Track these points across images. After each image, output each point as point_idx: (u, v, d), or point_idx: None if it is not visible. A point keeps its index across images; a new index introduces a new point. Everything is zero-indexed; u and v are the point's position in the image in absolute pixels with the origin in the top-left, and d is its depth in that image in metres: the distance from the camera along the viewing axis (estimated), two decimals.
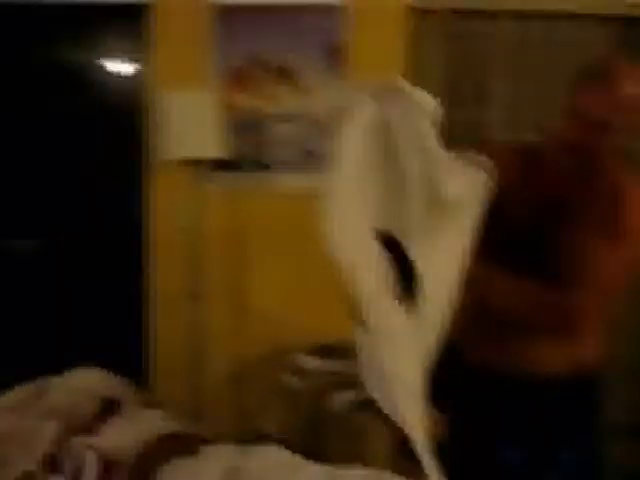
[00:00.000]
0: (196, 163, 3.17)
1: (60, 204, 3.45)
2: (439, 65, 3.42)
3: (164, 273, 3.37)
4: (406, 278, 1.52)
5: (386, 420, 2.46)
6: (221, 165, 3.27)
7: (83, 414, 2.15)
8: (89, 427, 2.08)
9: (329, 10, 3.29)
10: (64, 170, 3.42)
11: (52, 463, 1.92)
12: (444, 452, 1.54)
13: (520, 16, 3.37)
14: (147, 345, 3.40)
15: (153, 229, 3.38)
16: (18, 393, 2.22)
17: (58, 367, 2.40)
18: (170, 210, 3.29)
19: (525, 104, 3.45)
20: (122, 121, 3.36)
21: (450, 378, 2.05)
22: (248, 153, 3.37)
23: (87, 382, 2.26)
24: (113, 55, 3.47)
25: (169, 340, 3.35)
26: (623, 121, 1.72)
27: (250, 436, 2.77)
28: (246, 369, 3.39)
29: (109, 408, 2.20)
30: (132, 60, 3.44)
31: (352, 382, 2.88)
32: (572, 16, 3.37)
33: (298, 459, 1.62)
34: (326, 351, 2.99)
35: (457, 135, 3.01)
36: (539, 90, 3.44)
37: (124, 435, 1.85)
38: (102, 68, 3.47)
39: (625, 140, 1.78)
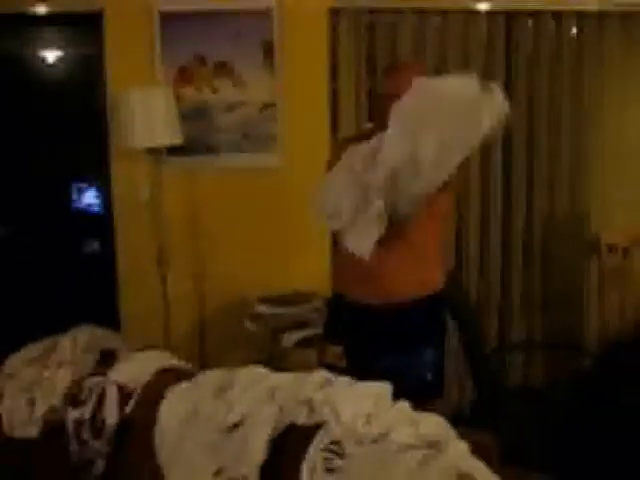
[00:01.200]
0: (154, 149, 3.53)
1: (41, 190, 3.81)
2: (357, 51, 3.82)
3: (132, 244, 3.73)
4: None
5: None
6: (174, 150, 3.62)
7: (88, 363, 2.57)
8: (95, 373, 2.49)
9: (262, 13, 3.66)
10: (44, 160, 3.78)
11: (73, 400, 2.34)
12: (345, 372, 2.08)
13: (419, 11, 3.84)
14: (120, 304, 3.79)
15: (120, 207, 3.73)
16: (32, 350, 2.60)
17: (51, 327, 2.80)
18: (134, 190, 3.67)
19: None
20: (87, 116, 3.71)
21: (338, 318, 2.66)
22: (197, 138, 3.74)
23: (87, 337, 2.65)
24: (75, 58, 3.80)
25: (140, 300, 3.72)
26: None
27: None
28: (208, 320, 3.83)
29: (108, 357, 2.61)
30: (94, 62, 3.72)
31: (298, 324, 3.39)
32: (462, 11, 3.87)
33: (269, 372, 2.09)
34: (276, 300, 3.47)
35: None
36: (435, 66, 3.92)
37: (132, 370, 2.28)
38: (65, 70, 3.80)
39: None
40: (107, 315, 3.68)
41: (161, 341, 3.53)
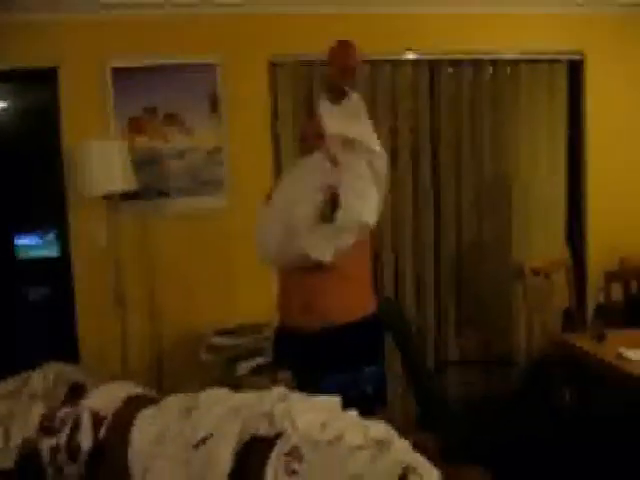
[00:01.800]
0: (109, 196, 3.69)
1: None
2: (295, 100, 4.08)
3: (90, 285, 3.85)
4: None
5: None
6: (129, 196, 3.78)
7: (58, 395, 2.69)
8: (65, 404, 2.61)
9: (207, 66, 3.89)
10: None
11: (47, 430, 2.45)
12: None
13: None
14: (80, 343, 3.88)
15: (79, 251, 3.85)
16: (5, 385, 2.71)
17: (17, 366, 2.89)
18: (91, 235, 3.80)
19: None
20: (44, 166, 3.85)
21: (285, 346, 2.86)
22: (149, 184, 3.90)
23: (56, 372, 2.77)
24: (31, 112, 3.94)
25: (98, 338, 3.83)
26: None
27: None
28: (165, 353, 3.96)
29: (76, 389, 2.74)
30: (49, 115, 3.85)
31: (251, 353, 3.56)
32: (389, 61, 4.17)
33: (231, 392, 2.25)
34: (230, 332, 3.63)
35: None
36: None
37: (103, 399, 2.41)
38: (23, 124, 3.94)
39: None
40: (67, 353, 3.77)
41: (120, 375, 3.64)
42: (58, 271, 3.97)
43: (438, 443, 2.13)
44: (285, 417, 2.00)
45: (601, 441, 3.24)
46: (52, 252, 4.23)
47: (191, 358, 3.69)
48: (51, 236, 4.25)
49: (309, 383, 2.65)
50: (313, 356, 2.73)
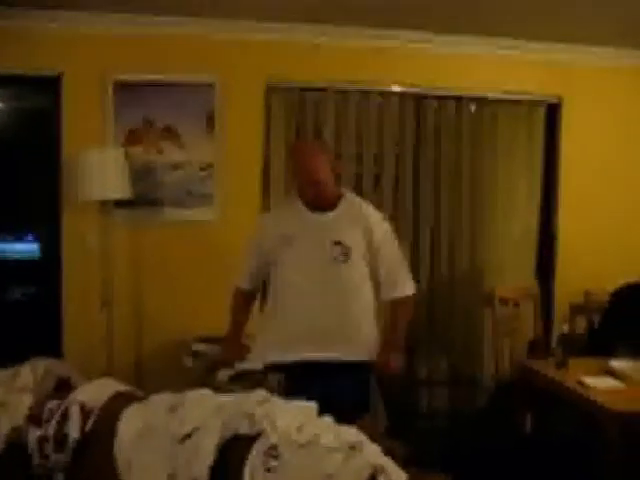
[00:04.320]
0: (103, 202, 3.80)
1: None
2: (288, 122, 4.22)
3: (79, 287, 3.94)
4: None
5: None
6: (122, 203, 3.89)
7: (46, 389, 2.77)
8: (53, 397, 2.70)
9: (205, 86, 4.02)
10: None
11: (35, 420, 2.53)
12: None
13: (341, 91, 4.28)
14: (64, 343, 3.96)
15: (69, 253, 3.94)
16: None
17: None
18: (83, 238, 3.90)
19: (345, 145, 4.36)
20: (42, 170, 3.94)
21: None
22: (143, 193, 4.00)
23: (46, 366, 2.85)
24: (33, 117, 4.03)
25: (83, 339, 3.91)
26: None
27: None
28: (147, 357, 4.04)
29: (63, 384, 2.82)
30: (51, 123, 3.95)
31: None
32: (378, 92, 4.33)
33: (214, 394, 2.36)
34: (212, 339, 3.73)
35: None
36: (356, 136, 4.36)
37: (92, 393, 2.50)
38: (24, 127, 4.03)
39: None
40: (50, 353, 3.83)
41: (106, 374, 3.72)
42: (42, 272, 4.05)
43: (406, 450, 2.25)
44: (265, 418, 2.11)
45: (559, 462, 3.37)
46: (37, 254, 4.30)
47: (172, 363, 3.77)
48: (40, 237, 4.32)
49: (299, 389, 2.76)
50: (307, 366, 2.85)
